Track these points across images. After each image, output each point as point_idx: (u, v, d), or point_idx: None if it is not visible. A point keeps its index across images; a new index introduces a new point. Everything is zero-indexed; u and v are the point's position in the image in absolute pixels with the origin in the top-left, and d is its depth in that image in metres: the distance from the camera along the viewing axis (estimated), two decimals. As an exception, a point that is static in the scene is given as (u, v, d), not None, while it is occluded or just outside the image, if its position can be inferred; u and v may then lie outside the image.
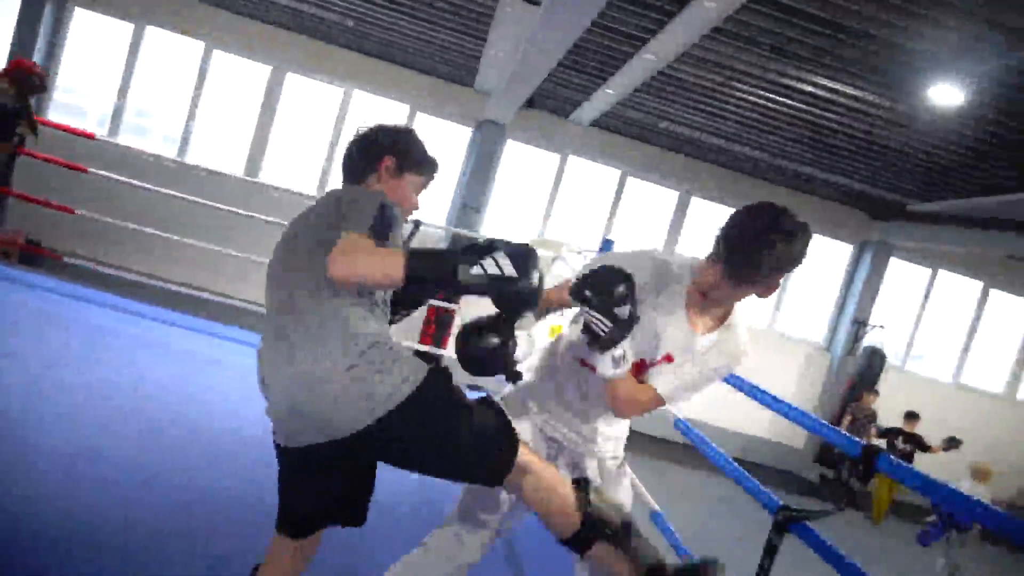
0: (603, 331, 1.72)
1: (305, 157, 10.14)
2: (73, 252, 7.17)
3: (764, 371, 8.69)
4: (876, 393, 9.86)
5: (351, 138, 2.03)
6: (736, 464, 2.35)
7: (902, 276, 11.48)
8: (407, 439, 1.70)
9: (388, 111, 10.01)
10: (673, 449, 8.61)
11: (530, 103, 9.55)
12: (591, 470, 2.05)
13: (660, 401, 1.89)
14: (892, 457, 1.78)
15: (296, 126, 10.15)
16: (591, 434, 2.05)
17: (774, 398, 2.26)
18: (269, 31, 9.66)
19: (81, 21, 9.75)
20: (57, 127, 6.62)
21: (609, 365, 1.79)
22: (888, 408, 9.62)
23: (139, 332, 4.92)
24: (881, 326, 10.98)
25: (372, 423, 1.64)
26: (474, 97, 9.81)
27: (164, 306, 5.53)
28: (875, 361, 10.66)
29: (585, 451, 2.06)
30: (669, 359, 1.89)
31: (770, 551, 1.92)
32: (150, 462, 3.11)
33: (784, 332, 11.33)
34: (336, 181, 10.77)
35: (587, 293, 1.72)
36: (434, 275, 1.65)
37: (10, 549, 2.26)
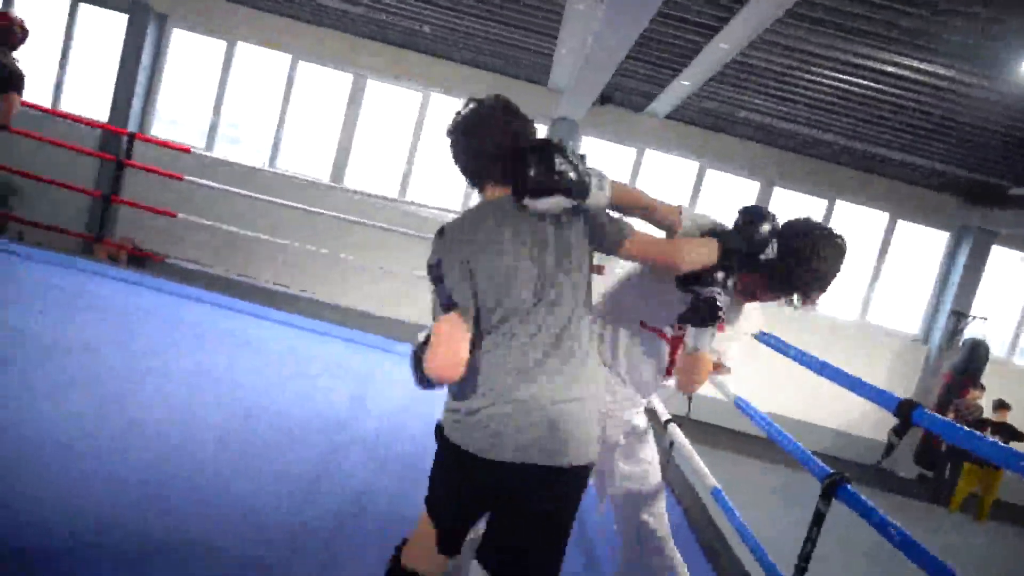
0: (721, 310, 1.84)
1: (387, 161, 10.49)
2: (175, 255, 7.68)
3: (852, 363, 8.45)
4: (982, 388, 9.31)
5: (528, 146, 1.79)
6: (788, 435, 2.35)
7: (1006, 264, 10.84)
8: (571, 502, 1.80)
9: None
10: (735, 439, 8.50)
11: (604, 98, 9.56)
12: (616, 436, 2.16)
13: (718, 369, 2.01)
14: (926, 410, 1.78)
15: (377, 131, 10.52)
16: (628, 400, 2.13)
17: (819, 362, 2.26)
18: (350, 40, 10.05)
19: (179, 40, 10.44)
20: (157, 143, 7.14)
21: (707, 340, 1.89)
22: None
23: (233, 326, 5.26)
24: (983, 317, 10.40)
25: (588, 463, 1.76)
26: (547, 95, 9.91)
27: (257, 302, 5.87)
28: (978, 354, 10.07)
29: (621, 416, 2.16)
30: (722, 328, 1.96)
31: (817, 519, 1.93)
32: (239, 441, 3.36)
33: (876, 324, 10.90)
34: (416, 184, 11.05)
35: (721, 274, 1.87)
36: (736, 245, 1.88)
37: (126, 506, 2.51)
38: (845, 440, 10.36)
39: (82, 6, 10.22)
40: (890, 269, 10.81)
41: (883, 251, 10.78)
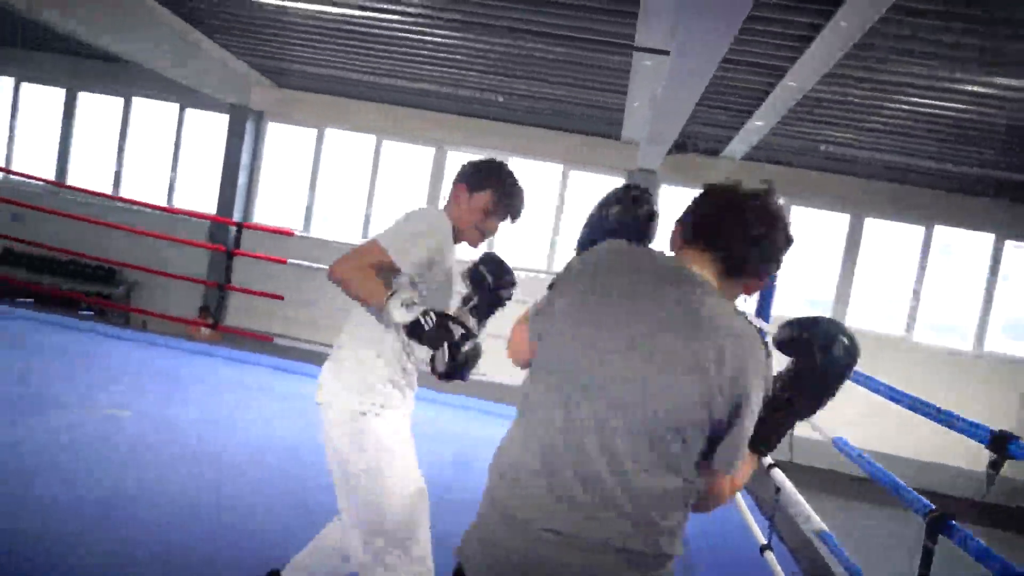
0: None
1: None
2: (280, 333, 8.15)
3: (955, 394, 7.95)
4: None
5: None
6: (888, 472, 2.31)
7: None
8: None
9: (541, 173, 10.55)
10: (822, 476, 8.08)
11: (679, 146, 9.64)
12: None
13: None
14: None
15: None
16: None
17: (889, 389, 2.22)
18: (430, 116, 10.60)
19: (274, 132, 11.28)
20: (263, 229, 7.69)
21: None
22: None
23: None
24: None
25: None
26: (622, 148, 10.08)
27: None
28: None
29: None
30: None
31: (925, 558, 1.88)
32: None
33: (990, 351, 10.26)
34: (500, 249, 11.29)
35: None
36: None
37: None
38: (944, 473, 9.68)
39: (188, 111, 11.22)
40: (1004, 293, 10.23)
41: (993, 273, 10.23)
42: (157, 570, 2.69)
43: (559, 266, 10.56)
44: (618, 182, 10.55)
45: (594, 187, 10.45)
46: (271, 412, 4.92)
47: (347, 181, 11.12)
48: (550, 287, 1.51)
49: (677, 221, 1.51)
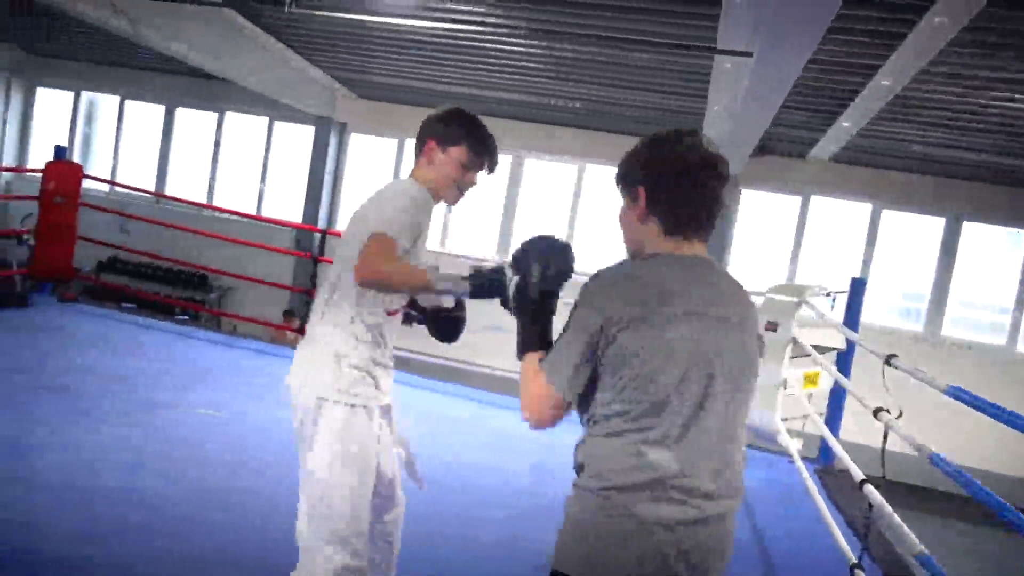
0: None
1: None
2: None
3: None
4: None
5: None
6: (988, 490, 2.17)
7: None
8: None
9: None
10: (915, 494, 7.62)
11: (761, 149, 9.40)
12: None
13: None
14: None
15: (537, 206, 10.97)
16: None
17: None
18: (507, 124, 10.67)
19: (357, 142, 11.62)
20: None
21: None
22: None
23: (461, 415, 5.57)
24: None
25: None
26: (702, 153, 9.90)
27: (484, 388, 6.21)
28: None
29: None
30: None
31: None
32: (429, 507, 3.59)
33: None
34: (580, 256, 11.40)
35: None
36: None
37: None
38: None
39: (277, 124, 11.68)
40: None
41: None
42: (252, 562, 2.80)
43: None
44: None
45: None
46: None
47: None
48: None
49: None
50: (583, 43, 6.83)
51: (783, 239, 10.30)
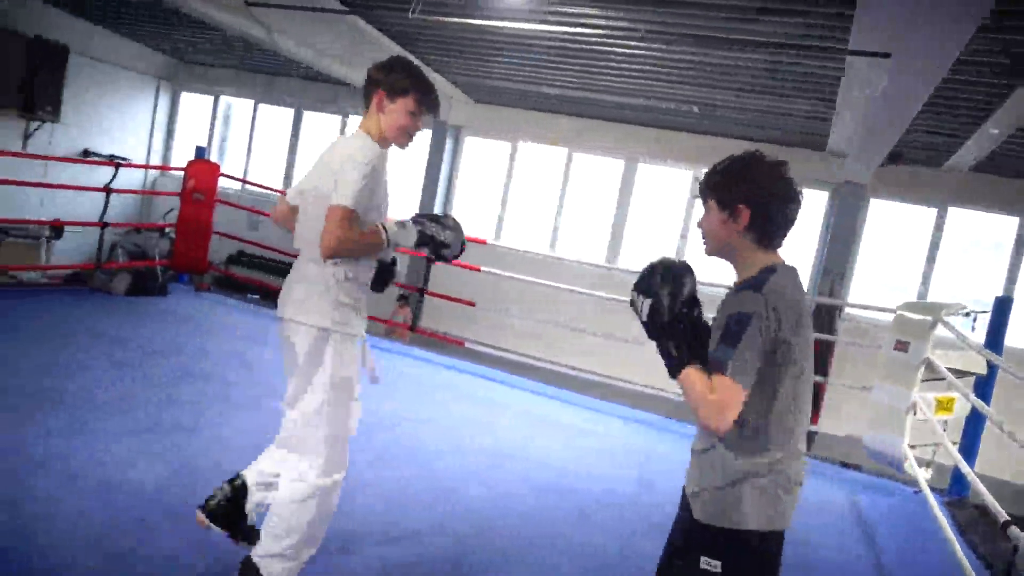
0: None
1: (659, 239, 10.67)
2: (470, 338, 8.48)
3: None
4: None
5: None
6: None
7: None
8: None
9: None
10: None
11: (892, 156, 8.84)
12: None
13: None
14: None
15: (647, 210, 10.78)
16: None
17: None
18: (621, 129, 10.56)
19: (471, 145, 11.82)
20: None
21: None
22: None
23: (529, 406, 5.64)
24: None
25: None
26: (827, 160, 9.43)
27: (549, 382, 6.26)
28: None
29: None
30: None
31: None
32: (540, 514, 3.58)
33: None
34: (692, 264, 11.17)
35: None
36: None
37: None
38: None
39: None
40: None
41: None
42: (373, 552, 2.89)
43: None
44: (820, 196, 9.89)
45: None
46: (464, 413, 5.12)
47: (537, 193, 11.37)
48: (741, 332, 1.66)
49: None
50: (701, 46, 6.65)
51: (914, 253, 9.65)
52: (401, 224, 2.50)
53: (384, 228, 2.41)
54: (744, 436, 1.71)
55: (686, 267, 1.82)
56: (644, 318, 1.78)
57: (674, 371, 1.74)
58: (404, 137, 2.41)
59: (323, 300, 2.37)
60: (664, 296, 1.76)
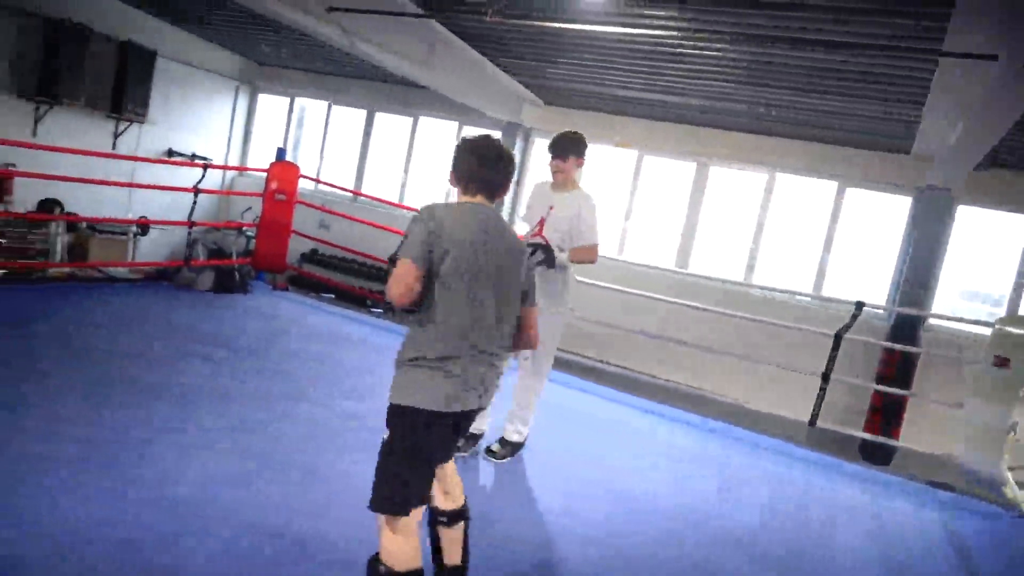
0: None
1: (732, 244, 10.45)
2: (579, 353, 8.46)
3: None
4: None
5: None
6: None
7: None
8: None
9: (813, 190, 9.86)
10: None
11: (988, 161, 8.44)
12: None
13: None
14: None
15: (721, 215, 10.57)
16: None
17: None
18: (692, 131, 10.38)
19: (541, 147, 11.81)
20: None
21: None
22: None
23: (642, 425, 5.55)
24: None
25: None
26: (911, 164, 9.07)
27: (662, 401, 6.17)
28: None
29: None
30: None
31: None
32: (621, 527, 3.53)
33: None
34: (764, 269, 10.72)
35: None
36: None
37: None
38: None
39: (465, 128, 12.15)
40: None
41: None
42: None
43: (830, 290, 9.55)
44: (904, 202, 9.51)
45: (874, 207, 9.54)
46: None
47: (607, 195, 11.28)
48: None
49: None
50: (780, 47, 6.46)
51: (1009, 264, 9.18)
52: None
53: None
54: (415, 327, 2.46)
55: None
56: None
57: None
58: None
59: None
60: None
